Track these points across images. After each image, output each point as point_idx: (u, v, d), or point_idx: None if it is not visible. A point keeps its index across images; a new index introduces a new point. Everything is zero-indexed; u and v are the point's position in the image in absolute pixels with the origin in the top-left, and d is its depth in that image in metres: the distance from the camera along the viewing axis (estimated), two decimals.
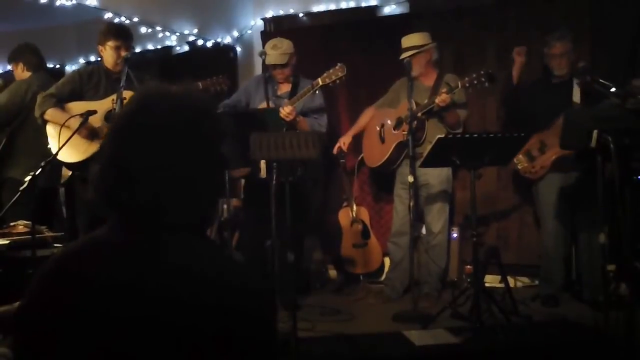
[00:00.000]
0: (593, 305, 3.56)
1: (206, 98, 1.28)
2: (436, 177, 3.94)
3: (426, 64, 3.96)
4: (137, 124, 1.16)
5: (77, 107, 3.56)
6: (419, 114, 3.79)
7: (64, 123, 3.35)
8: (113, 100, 3.49)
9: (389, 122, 4.08)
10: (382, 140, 4.09)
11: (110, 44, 3.59)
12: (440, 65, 4.12)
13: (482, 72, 3.58)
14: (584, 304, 3.74)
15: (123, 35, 3.62)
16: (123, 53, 3.54)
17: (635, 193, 3.81)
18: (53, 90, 3.65)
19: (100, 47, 3.68)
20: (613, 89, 3.63)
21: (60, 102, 3.62)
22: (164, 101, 1.19)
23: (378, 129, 4.14)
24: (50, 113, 3.58)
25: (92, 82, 3.68)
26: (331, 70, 3.65)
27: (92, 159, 3.63)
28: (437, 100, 3.70)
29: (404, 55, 3.89)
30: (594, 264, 3.65)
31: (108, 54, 3.63)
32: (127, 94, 3.42)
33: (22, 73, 4.23)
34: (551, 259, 3.91)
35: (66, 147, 3.24)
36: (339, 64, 3.67)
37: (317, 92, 3.73)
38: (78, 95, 3.66)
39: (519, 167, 3.93)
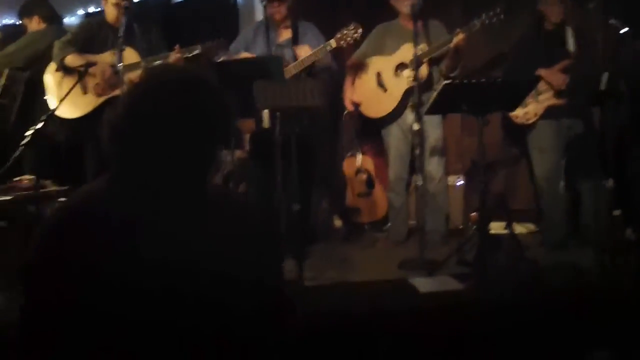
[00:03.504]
0: (600, 250, 3.56)
1: (210, 79, 1.29)
2: (435, 125, 3.92)
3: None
4: (145, 114, 1.18)
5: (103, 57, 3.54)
6: (425, 60, 3.71)
7: (83, 67, 3.34)
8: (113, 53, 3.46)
9: (387, 69, 3.96)
10: (384, 89, 4.00)
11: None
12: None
13: (497, 9, 3.51)
14: (591, 249, 3.74)
15: None
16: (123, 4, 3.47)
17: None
18: (70, 37, 3.65)
19: (103, 1, 3.62)
20: (626, 29, 3.54)
21: (77, 49, 3.60)
22: (169, 87, 1.20)
23: (375, 77, 4.01)
24: (71, 59, 3.57)
25: (102, 36, 3.65)
26: (345, 31, 3.57)
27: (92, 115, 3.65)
28: (455, 41, 3.63)
29: None
30: (599, 209, 3.63)
31: (109, 9, 3.57)
32: (129, 52, 3.40)
33: (37, 26, 4.15)
34: (552, 205, 3.90)
35: (66, 101, 3.22)
36: (353, 24, 3.59)
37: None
38: (90, 44, 3.64)
39: (511, 113, 3.87)
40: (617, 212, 3.74)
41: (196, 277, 1.16)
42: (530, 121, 3.86)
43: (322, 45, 3.64)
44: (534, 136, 3.91)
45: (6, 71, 3.99)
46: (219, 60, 3.30)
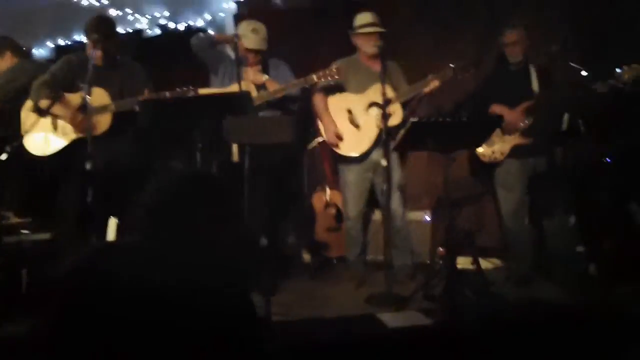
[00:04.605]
0: (562, 285, 3.63)
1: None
2: (397, 163, 4.01)
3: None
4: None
5: (74, 98, 3.54)
6: (399, 101, 3.82)
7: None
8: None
9: (358, 107, 4.01)
10: (357, 126, 4.04)
11: (90, 38, 3.55)
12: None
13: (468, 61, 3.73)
14: (554, 284, 3.81)
15: (99, 29, 3.55)
16: (101, 48, 3.49)
17: (604, 175, 3.90)
18: (47, 77, 3.63)
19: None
20: (584, 73, 3.70)
21: (55, 88, 3.58)
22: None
23: (346, 114, 4.03)
24: (44, 103, 3.57)
25: (81, 74, 3.64)
26: (327, 71, 3.67)
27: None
28: (430, 87, 3.79)
29: (376, 29, 3.90)
30: (562, 245, 3.72)
31: (89, 47, 3.58)
32: (99, 93, 3.41)
33: (11, 61, 4.16)
34: (517, 241, 3.97)
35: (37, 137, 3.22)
36: (335, 66, 3.71)
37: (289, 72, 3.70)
38: (70, 82, 3.62)
39: (479, 151, 3.98)
40: (580, 249, 3.85)
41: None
42: (498, 160, 3.96)
43: (303, 79, 3.70)
44: (500, 174, 4.00)
45: None
46: (188, 95, 3.31)
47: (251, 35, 3.78)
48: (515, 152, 3.91)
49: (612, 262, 3.63)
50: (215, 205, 1.55)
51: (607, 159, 3.90)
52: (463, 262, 4.04)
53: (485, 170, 4.13)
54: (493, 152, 3.96)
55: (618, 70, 3.53)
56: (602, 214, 3.80)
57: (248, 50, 3.80)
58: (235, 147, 3.40)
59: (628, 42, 4.03)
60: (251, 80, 3.81)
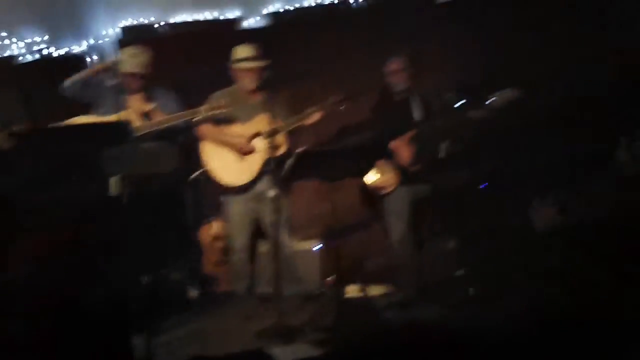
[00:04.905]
0: (442, 307, 3.75)
1: None
2: (284, 194, 3.98)
3: None
4: None
5: None
6: (285, 130, 3.81)
7: None
8: None
9: (240, 137, 3.96)
10: (241, 157, 3.98)
11: None
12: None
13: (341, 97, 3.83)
14: (435, 307, 3.92)
15: None
16: None
17: (481, 200, 4.12)
18: None
19: None
20: (461, 101, 3.91)
21: None
22: None
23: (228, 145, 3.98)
24: None
25: None
26: (214, 104, 3.69)
27: None
28: (314, 118, 3.84)
29: (255, 65, 3.87)
30: (443, 268, 3.86)
31: None
32: None
33: None
34: (403, 267, 4.07)
35: None
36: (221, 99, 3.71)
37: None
38: None
39: (370, 180, 4.05)
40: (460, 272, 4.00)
41: None
42: (389, 189, 4.04)
43: (190, 111, 3.60)
44: (390, 201, 4.07)
45: None
46: (62, 125, 3.10)
47: (129, 60, 3.65)
48: (404, 180, 4.02)
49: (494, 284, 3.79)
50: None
51: (483, 185, 4.12)
52: (352, 290, 4.08)
53: (375, 198, 4.21)
54: (384, 181, 4.02)
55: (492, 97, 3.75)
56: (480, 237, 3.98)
57: (127, 75, 3.64)
58: (113, 180, 3.19)
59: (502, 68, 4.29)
60: (136, 108, 3.65)
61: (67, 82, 3.78)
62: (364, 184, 4.08)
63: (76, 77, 3.86)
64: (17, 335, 1.19)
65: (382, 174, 4.03)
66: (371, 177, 4.03)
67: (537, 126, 4.13)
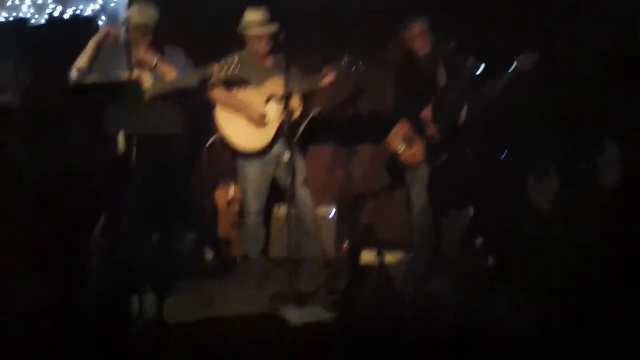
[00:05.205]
0: (459, 280, 3.69)
1: None
2: (298, 155, 3.91)
3: None
4: None
5: None
6: (300, 94, 3.73)
7: None
8: None
9: (256, 102, 3.87)
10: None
11: None
12: None
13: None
14: (452, 278, 3.86)
15: None
16: None
17: (494, 172, 4.02)
18: None
19: None
20: (482, 67, 3.78)
21: None
22: None
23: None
24: None
25: None
26: (229, 63, 3.46)
27: None
28: (325, 82, 3.72)
29: (270, 29, 3.79)
30: (461, 237, 3.78)
31: None
32: None
33: None
34: (422, 238, 3.99)
35: None
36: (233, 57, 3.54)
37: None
38: None
39: (400, 152, 3.94)
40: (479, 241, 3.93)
41: None
42: (417, 161, 3.94)
43: (202, 69, 3.48)
44: (418, 173, 3.92)
45: None
46: (72, 84, 3.01)
47: (138, 12, 3.50)
48: (430, 151, 3.90)
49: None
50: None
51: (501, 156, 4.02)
52: (367, 257, 4.04)
53: (399, 166, 4.11)
54: (414, 155, 3.91)
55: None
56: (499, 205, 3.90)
57: (136, 27, 3.49)
58: (121, 137, 3.12)
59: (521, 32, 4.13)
60: (141, 57, 3.52)
61: (74, 72, 3.49)
62: (389, 152, 3.95)
63: (80, 61, 3.67)
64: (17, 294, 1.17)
65: (409, 145, 3.89)
66: (404, 149, 3.90)
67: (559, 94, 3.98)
